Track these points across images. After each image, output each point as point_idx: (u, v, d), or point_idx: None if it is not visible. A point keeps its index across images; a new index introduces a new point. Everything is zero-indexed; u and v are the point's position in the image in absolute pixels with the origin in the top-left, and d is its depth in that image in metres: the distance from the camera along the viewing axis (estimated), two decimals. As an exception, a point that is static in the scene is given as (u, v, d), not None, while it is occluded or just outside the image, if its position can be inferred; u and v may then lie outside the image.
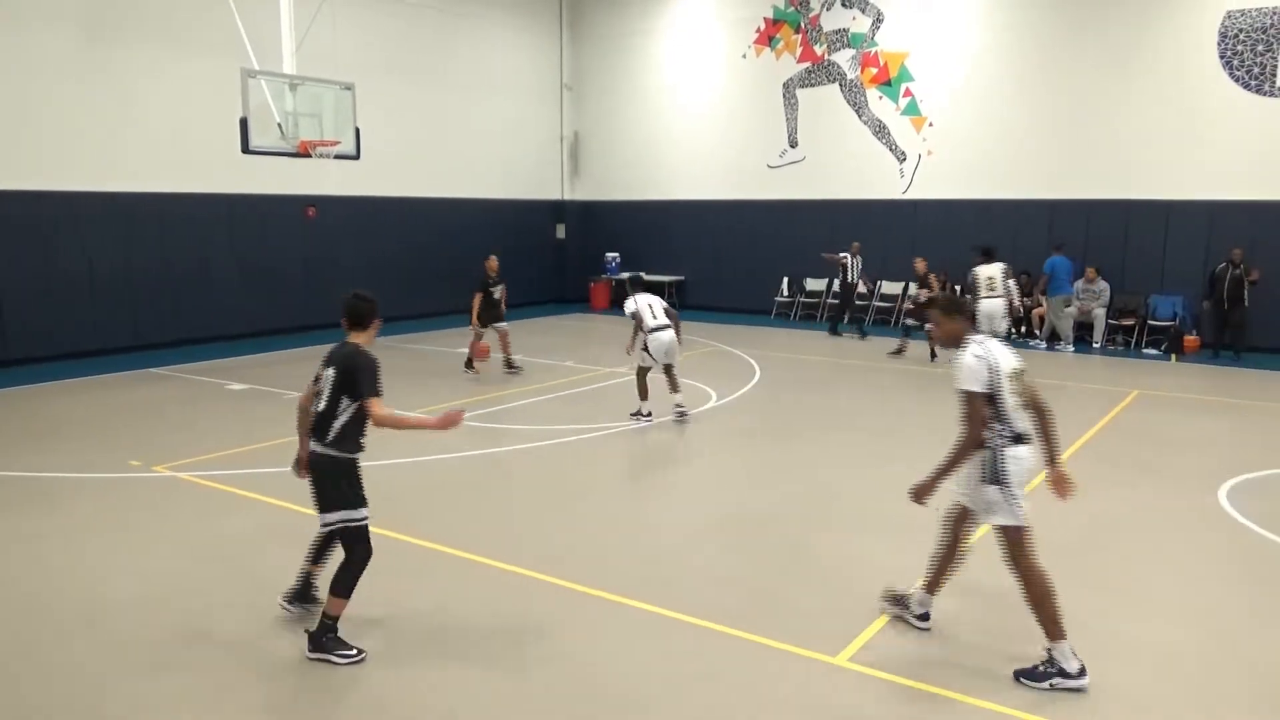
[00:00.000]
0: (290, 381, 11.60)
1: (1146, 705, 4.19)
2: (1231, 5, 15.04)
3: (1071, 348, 15.49)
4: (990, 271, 13.61)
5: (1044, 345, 15.84)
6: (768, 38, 19.62)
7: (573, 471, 8.07)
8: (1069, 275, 15.61)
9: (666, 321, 9.45)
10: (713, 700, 4.19)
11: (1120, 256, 16.10)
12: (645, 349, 9.48)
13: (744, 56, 19.93)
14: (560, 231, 22.40)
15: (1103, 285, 15.90)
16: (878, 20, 18.34)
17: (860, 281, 17.05)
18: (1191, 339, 15.14)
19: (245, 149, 11.22)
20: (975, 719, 4.06)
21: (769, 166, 19.86)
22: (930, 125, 17.93)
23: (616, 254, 21.68)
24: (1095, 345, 15.72)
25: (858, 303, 17.32)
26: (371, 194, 17.61)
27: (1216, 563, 6.05)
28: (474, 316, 12.21)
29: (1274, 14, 14.73)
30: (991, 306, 13.39)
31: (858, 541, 6.29)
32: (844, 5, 18.66)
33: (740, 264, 20.29)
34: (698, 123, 20.67)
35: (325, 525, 4.61)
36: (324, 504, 4.56)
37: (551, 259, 22.22)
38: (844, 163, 18.93)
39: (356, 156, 12.61)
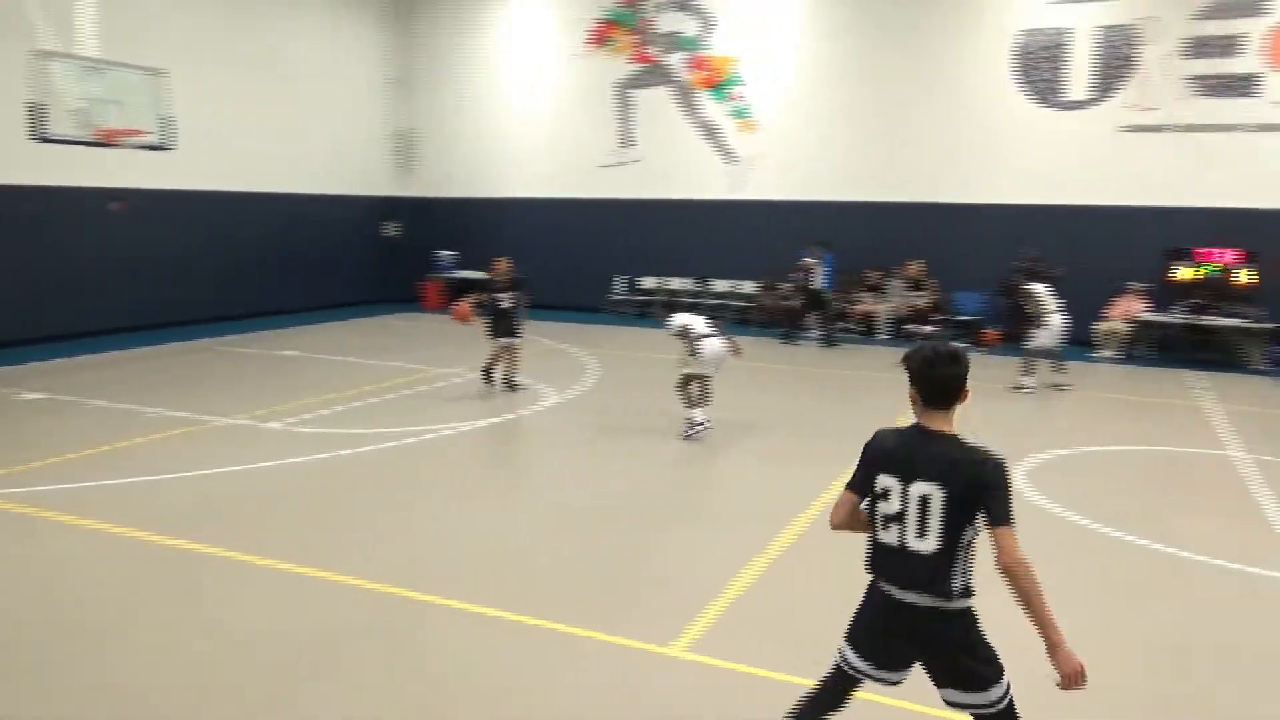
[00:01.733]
0: (94, 390, 10.75)
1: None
2: (1024, 24, 16.39)
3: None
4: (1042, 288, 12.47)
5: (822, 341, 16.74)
6: (601, 37, 19.76)
7: (407, 476, 7.88)
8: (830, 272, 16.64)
9: (714, 330, 9.31)
10: (562, 700, 4.20)
11: (931, 255, 17.20)
12: (692, 355, 9.20)
13: (578, 55, 20.00)
14: (391, 229, 21.78)
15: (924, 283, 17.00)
16: (709, 24, 18.82)
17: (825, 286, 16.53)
18: (992, 332, 16.37)
19: (36, 136, 10.30)
20: (807, 701, 4.25)
21: (604, 165, 20.02)
22: (759, 128, 18.57)
23: (450, 252, 21.29)
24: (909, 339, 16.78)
25: (822, 310, 16.60)
26: (187, 187, 16.52)
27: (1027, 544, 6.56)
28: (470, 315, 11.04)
29: (1061, 33, 16.15)
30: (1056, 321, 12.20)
31: (697, 535, 6.45)
32: (676, 8, 19.06)
33: (575, 262, 20.35)
34: (533, 120, 20.59)
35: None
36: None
37: (381, 257, 21.55)
38: (677, 163, 19.33)
39: (168, 147, 11.81)
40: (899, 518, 3.05)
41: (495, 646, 4.73)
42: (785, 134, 18.34)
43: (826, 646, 4.86)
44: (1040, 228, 16.25)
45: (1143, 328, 15.51)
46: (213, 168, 16.89)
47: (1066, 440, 9.40)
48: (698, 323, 9.29)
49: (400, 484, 7.60)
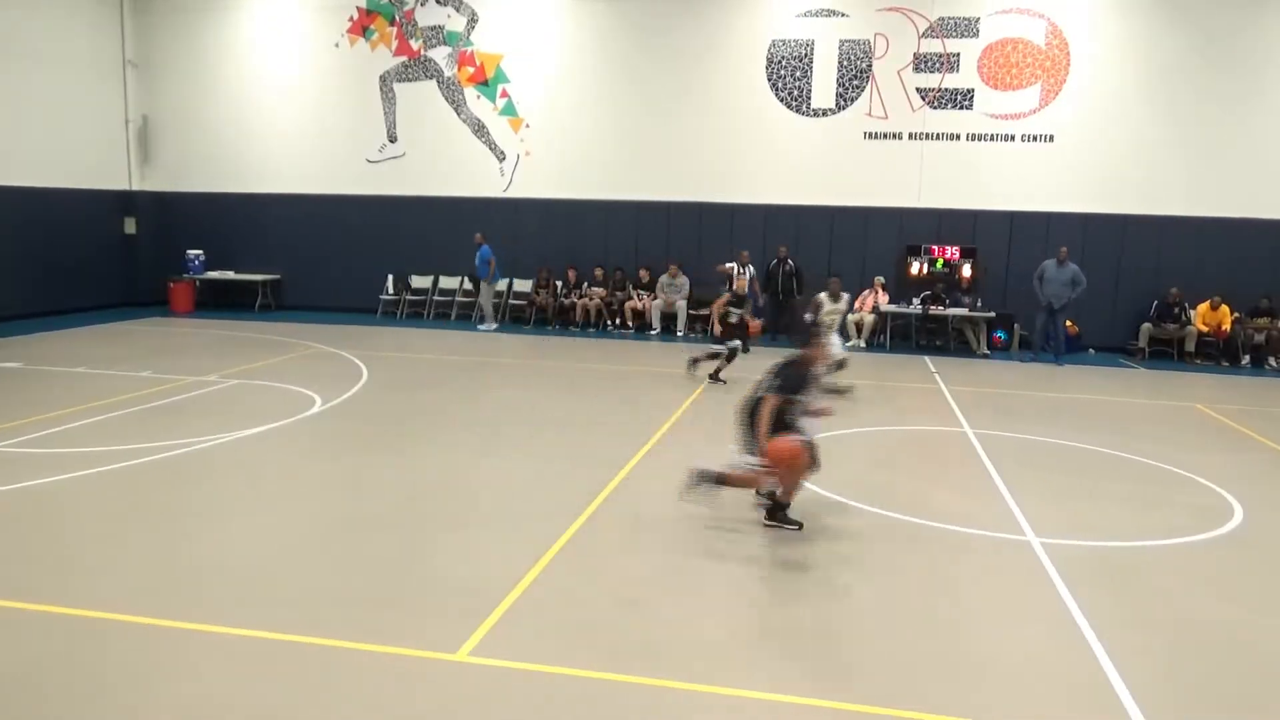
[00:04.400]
0: None
1: (711, 669, 4.71)
2: (774, 34, 17.41)
3: (494, 325, 17.59)
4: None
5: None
6: (361, 28, 19.02)
7: (154, 494, 7.21)
8: (487, 262, 17.50)
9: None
10: (335, 716, 4.00)
11: (696, 254, 17.91)
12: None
13: (337, 45, 19.14)
14: (129, 225, 19.90)
15: (683, 280, 17.63)
16: (472, 20, 18.58)
17: (751, 292, 16.14)
18: (755, 324, 17.23)
19: None
20: (601, 691, 4.29)
21: (369, 161, 19.30)
22: (527, 126, 18.57)
23: (200, 251, 19.76)
24: (679, 334, 17.39)
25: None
26: None
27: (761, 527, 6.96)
28: (715, 322, 12.37)
29: (806, 44, 17.30)
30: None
31: (470, 536, 6.34)
32: (438, 2, 18.67)
33: (342, 261, 19.51)
34: (290, 112, 19.49)
35: None
36: None
37: (120, 256, 19.65)
38: (445, 160, 18.96)
39: None
40: None
41: (259, 669, 4.43)
42: (554, 132, 18.46)
43: (609, 638, 4.98)
44: (794, 227, 17.37)
45: (885, 319, 16.95)
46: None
47: (825, 425, 10.06)
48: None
49: (139, 505, 6.94)
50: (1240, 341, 15.94)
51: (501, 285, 18.67)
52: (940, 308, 16.59)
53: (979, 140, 16.99)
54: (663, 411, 10.39)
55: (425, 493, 7.41)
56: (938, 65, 17.00)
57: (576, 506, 6.92)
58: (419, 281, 19.26)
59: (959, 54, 16.91)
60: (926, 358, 15.64)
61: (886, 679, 4.51)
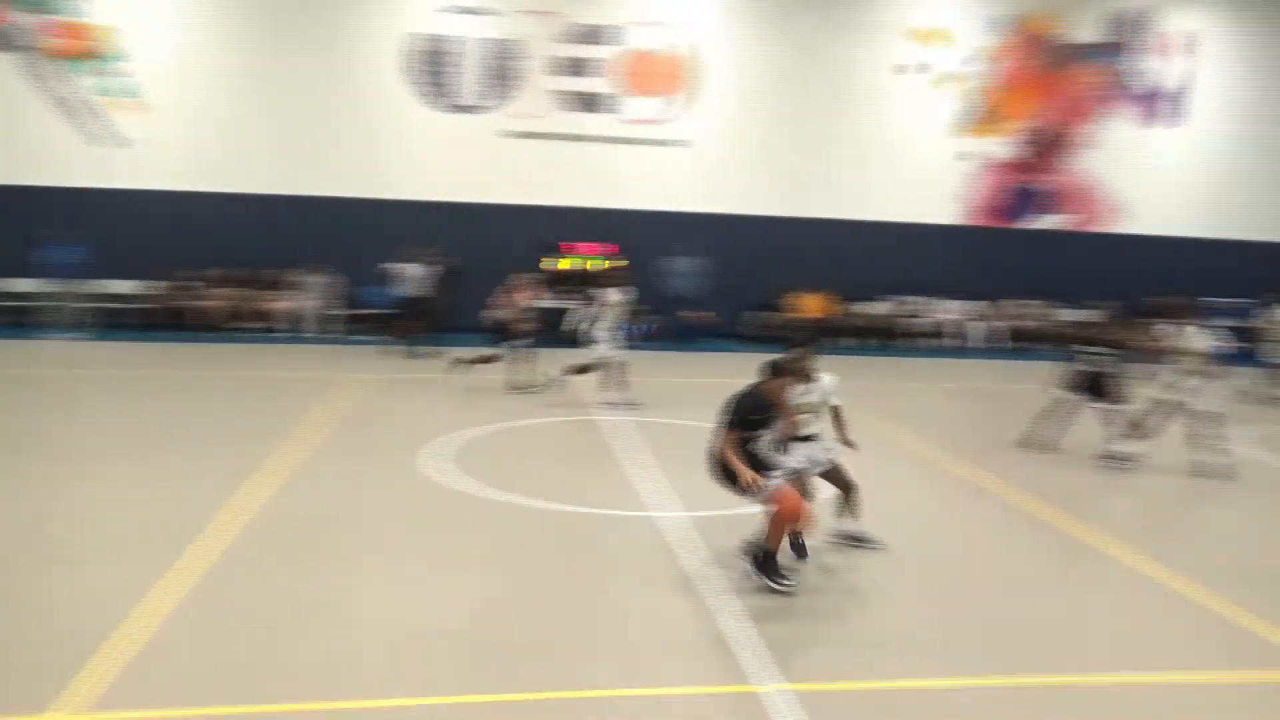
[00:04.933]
0: None
1: (399, 667, 4.52)
2: (415, 29, 17.09)
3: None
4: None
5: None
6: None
7: None
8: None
9: None
10: None
11: (340, 251, 17.07)
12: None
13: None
14: None
15: (323, 279, 16.75)
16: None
17: (439, 291, 14.79)
18: (414, 324, 16.78)
19: None
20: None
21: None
22: (148, 110, 16.57)
23: None
24: (307, 335, 16.50)
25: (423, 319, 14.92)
26: None
27: (431, 518, 6.83)
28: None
29: (448, 41, 17.17)
30: None
31: (72, 575, 5.50)
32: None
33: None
34: None
35: None
36: None
37: None
38: (21, 142, 16.35)
39: None
40: None
41: None
42: (179, 120, 16.71)
43: (254, 669, 4.51)
44: (441, 223, 17.13)
45: (534, 314, 17.23)
46: None
47: (471, 421, 10.03)
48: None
49: None
50: (837, 326, 18.24)
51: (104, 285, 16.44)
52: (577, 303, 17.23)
53: (618, 143, 17.90)
54: (300, 417, 9.77)
55: (18, 529, 6.31)
56: (580, 69, 17.65)
57: (201, 529, 6.26)
58: (20, 285, 16.24)
59: (600, 59, 17.69)
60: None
61: (531, 663, 4.56)
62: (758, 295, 18.18)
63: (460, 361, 11.79)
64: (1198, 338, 8.94)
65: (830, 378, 6.30)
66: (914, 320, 18.52)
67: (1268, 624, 5.36)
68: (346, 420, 9.90)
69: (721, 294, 17.71)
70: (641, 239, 17.84)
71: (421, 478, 7.79)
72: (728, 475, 5.59)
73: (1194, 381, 8.84)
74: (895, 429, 10.50)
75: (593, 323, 11.18)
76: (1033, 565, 6.35)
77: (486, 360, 11.78)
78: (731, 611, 5.21)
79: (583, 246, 17.76)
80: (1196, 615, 5.55)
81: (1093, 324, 9.95)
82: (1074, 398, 9.47)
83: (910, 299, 18.73)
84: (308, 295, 16.74)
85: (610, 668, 4.57)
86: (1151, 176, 19.63)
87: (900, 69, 18.58)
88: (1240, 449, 9.53)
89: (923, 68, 18.62)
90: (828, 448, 6.25)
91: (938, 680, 4.56)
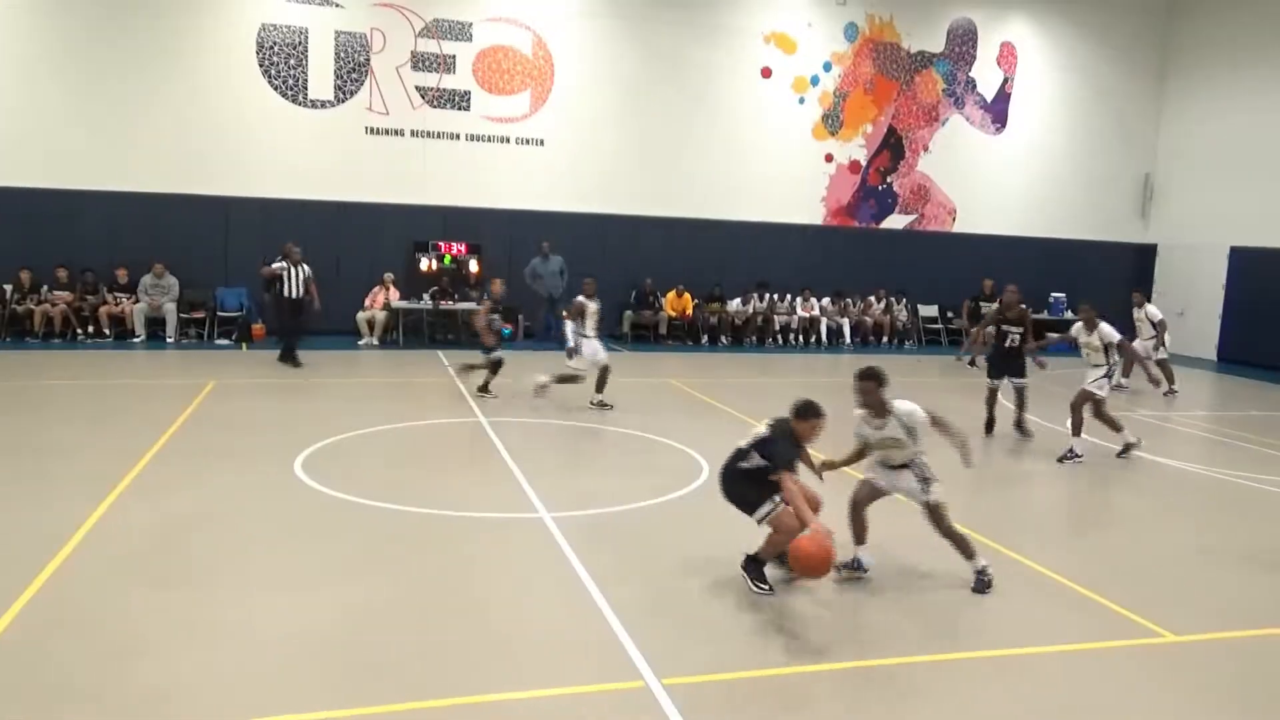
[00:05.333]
0: None
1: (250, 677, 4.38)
2: (264, 18, 16.39)
3: None
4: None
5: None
6: None
7: None
8: None
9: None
10: None
11: (186, 251, 16.25)
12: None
13: None
14: None
15: (171, 280, 15.92)
16: None
17: (307, 294, 13.59)
18: (258, 327, 16.20)
19: None
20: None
21: None
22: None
23: None
24: (169, 340, 15.69)
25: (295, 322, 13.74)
26: None
27: (305, 528, 6.63)
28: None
29: (300, 32, 16.55)
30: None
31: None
32: None
33: None
34: None
35: None
36: None
37: None
38: None
39: None
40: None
41: None
42: (30, 114, 15.49)
43: (103, 699, 4.29)
44: (300, 222, 16.52)
45: (397, 315, 16.95)
46: None
47: (338, 427, 9.76)
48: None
49: None
50: (700, 324, 18.73)
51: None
52: (450, 303, 17.02)
53: (478, 141, 17.72)
54: (152, 429, 9.27)
55: None
56: (435, 65, 17.37)
57: (50, 549, 5.89)
58: None
59: (455, 56, 17.45)
60: (440, 352, 15.96)
61: (416, 672, 4.53)
62: (625, 294, 18.41)
63: (541, 387, 11.49)
64: (1107, 331, 9.88)
65: (907, 405, 5.79)
66: (776, 318, 19.17)
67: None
68: (212, 427, 9.47)
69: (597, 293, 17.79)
70: (505, 238, 17.75)
71: (296, 485, 7.56)
72: (746, 502, 5.70)
73: (1101, 370, 9.85)
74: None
75: (575, 332, 11.25)
76: (922, 553, 6.72)
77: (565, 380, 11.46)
78: (618, 608, 5.32)
79: (446, 246, 17.51)
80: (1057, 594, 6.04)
81: (1004, 306, 10.85)
82: (997, 380, 10.74)
83: (772, 297, 19.37)
84: (161, 298, 15.80)
85: (500, 671, 4.59)
86: (984, 179, 21.00)
87: (759, 72, 19.17)
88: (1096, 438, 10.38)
89: (780, 72, 19.27)
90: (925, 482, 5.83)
91: (810, 666, 4.81)
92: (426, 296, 17.00)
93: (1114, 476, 9.47)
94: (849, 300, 19.84)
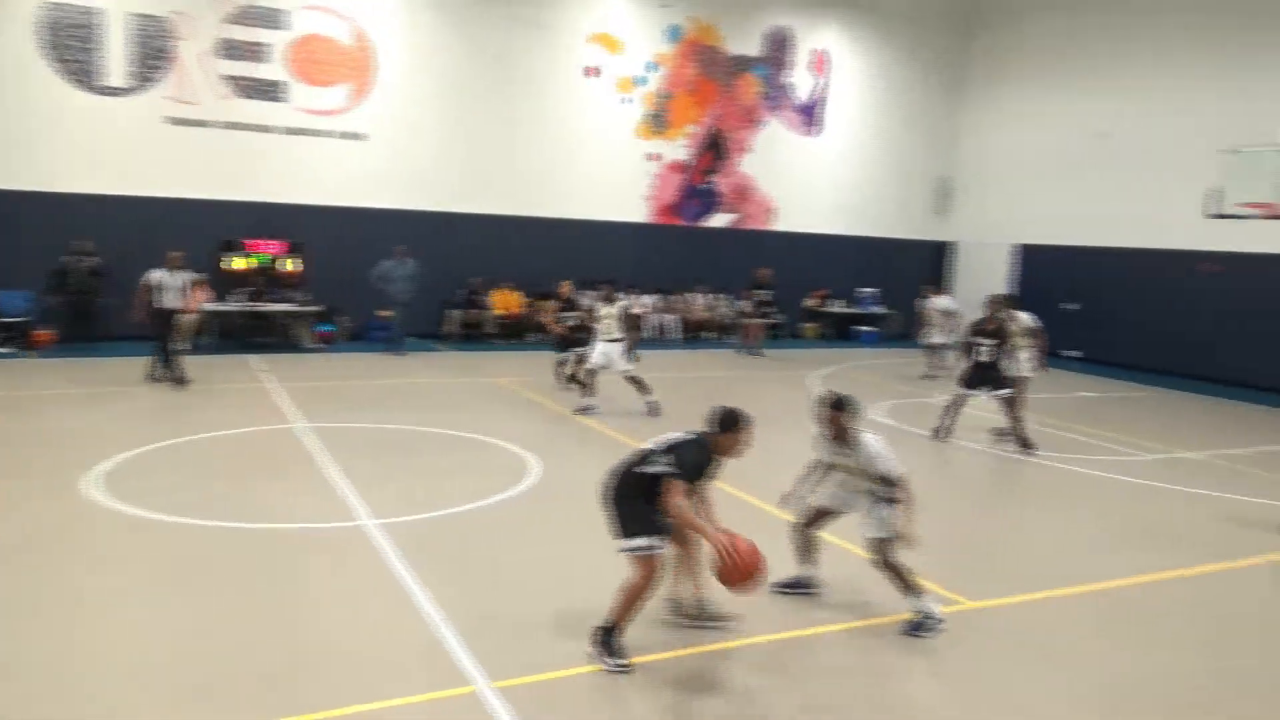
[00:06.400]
0: None
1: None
2: (48, -2, 15.01)
3: None
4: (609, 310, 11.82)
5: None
6: None
7: None
8: None
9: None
10: None
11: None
12: None
13: None
14: None
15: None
16: None
17: (186, 302, 12.42)
18: (43, 333, 14.86)
19: None
20: None
21: None
22: None
23: None
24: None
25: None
26: None
27: (109, 552, 6.16)
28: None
29: (91, 14, 15.25)
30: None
31: None
32: None
33: None
34: None
35: None
36: None
37: None
38: None
39: None
40: None
41: None
42: None
43: None
44: (91, 217, 15.29)
45: (206, 317, 15.92)
46: None
47: (139, 439, 9.13)
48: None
49: None
50: (529, 322, 18.66)
51: None
52: (264, 304, 16.21)
53: (295, 134, 16.94)
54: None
55: None
56: (246, 53, 16.45)
57: None
58: None
59: (268, 44, 16.59)
60: (252, 356, 15.15)
61: (244, 694, 4.33)
62: (452, 293, 18.09)
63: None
64: (1026, 318, 10.90)
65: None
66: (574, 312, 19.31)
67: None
68: (-18, 446, 8.63)
69: (420, 293, 17.30)
70: (327, 236, 17.07)
71: (94, 506, 7.01)
72: (624, 522, 4.84)
73: (1025, 355, 10.83)
74: (598, 423, 10.99)
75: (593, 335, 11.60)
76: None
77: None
78: (447, 614, 5.25)
79: (262, 244, 16.64)
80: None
81: (981, 319, 10.54)
82: (969, 391, 10.58)
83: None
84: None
85: (326, 687, 4.46)
86: (801, 180, 21.97)
87: (584, 71, 19.26)
88: (881, 418, 11.03)
89: (605, 71, 19.44)
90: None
91: (641, 659, 4.91)
92: (239, 298, 16.08)
93: (918, 462, 10.15)
94: (674, 297, 20.30)
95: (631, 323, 11.96)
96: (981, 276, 22.50)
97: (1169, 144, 18.08)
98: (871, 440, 5.40)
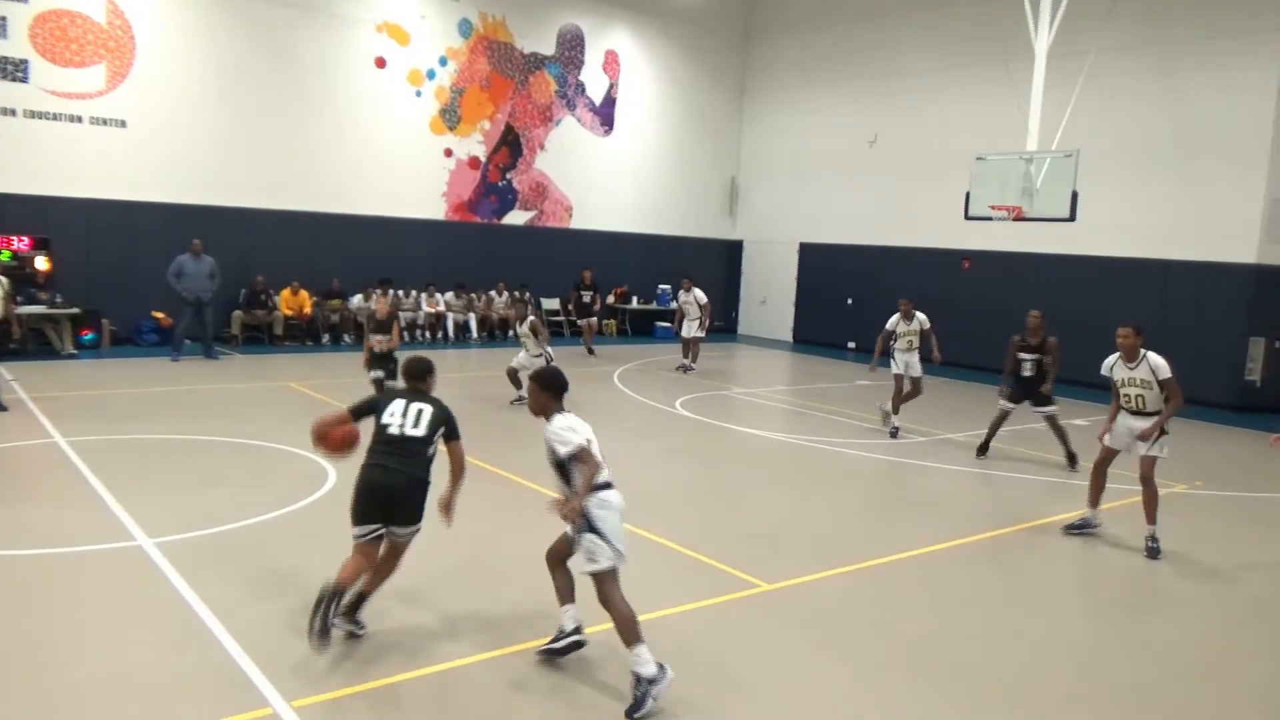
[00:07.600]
0: None
1: None
2: None
3: None
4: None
5: None
6: None
7: None
8: None
9: None
10: None
11: None
12: None
13: None
14: None
15: None
16: None
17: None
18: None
19: None
20: None
21: None
22: None
23: None
24: None
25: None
26: None
27: None
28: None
29: None
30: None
31: None
32: None
33: None
34: None
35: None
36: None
37: None
38: None
39: None
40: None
41: None
42: None
43: None
44: None
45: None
46: None
47: None
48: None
49: None
50: (320, 322, 17.81)
51: None
52: (13, 306, 14.52)
53: (40, 119, 15.29)
54: None
55: None
56: (-20, 27, 14.67)
57: None
58: None
59: (6, 18, 14.86)
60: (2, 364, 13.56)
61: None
62: (234, 293, 16.94)
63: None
64: (921, 318, 11.60)
65: (564, 421, 4.73)
66: (401, 314, 18.73)
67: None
68: None
69: (220, 290, 16.03)
70: (83, 230, 15.54)
71: None
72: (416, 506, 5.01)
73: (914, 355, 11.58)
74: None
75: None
76: (530, 544, 6.88)
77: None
78: (239, 633, 4.91)
79: (3, 240, 14.91)
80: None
81: (1022, 335, 10.18)
82: (1012, 405, 10.31)
83: (397, 293, 18.90)
84: None
85: (120, 718, 4.05)
86: (596, 178, 22.22)
87: (373, 62, 18.56)
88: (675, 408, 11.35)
89: (394, 63, 18.83)
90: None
91: (448, 664, 4.81)
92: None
93: (710, 450, 10.52)
94: (473, 295, 19.99)
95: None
96: (767, 273, 23.67)
97: (930, 151, 19.68)
98: (561, 419, 4.69)
